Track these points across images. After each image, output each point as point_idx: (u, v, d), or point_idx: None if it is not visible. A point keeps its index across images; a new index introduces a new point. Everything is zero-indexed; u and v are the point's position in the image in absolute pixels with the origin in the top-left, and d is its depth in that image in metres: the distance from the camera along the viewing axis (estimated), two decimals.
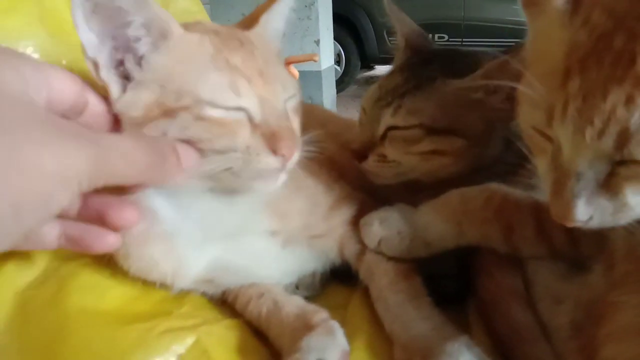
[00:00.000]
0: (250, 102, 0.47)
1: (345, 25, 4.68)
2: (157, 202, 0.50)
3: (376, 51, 4.73)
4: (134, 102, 0.45)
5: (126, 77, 0.45)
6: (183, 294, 0.55)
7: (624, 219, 0.38)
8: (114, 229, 0.44)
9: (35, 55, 0.55)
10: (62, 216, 0.43)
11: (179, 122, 0.44)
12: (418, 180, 0.63)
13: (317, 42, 3.75)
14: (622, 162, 0.35)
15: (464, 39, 4.54)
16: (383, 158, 0.63)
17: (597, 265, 0.44)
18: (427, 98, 0.60)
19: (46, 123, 0.35)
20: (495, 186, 0.54)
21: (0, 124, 0.31)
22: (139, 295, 0.53)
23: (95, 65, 0.44)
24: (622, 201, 0.36)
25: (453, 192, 0.56)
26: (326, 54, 3.91)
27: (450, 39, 4.52)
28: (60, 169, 0.33)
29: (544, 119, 0.38)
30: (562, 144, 0.37)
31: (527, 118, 0.41)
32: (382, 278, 0.56)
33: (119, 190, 0.44)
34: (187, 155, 0.44)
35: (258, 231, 0.57)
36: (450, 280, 0.59)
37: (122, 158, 0.39)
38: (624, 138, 0.33)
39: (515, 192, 0.53)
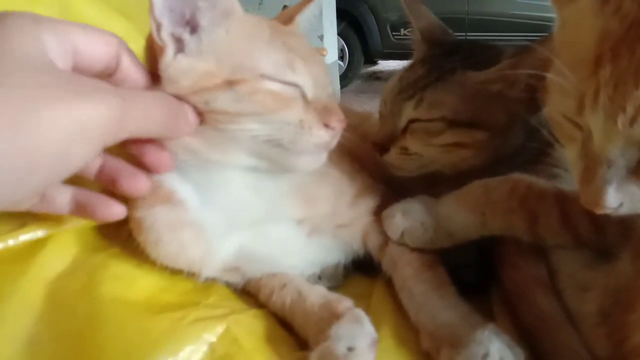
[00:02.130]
0: (305, 79, 0.50)
1: (349, 20, 4.68)
2: (185, 190, 0.52)
3: (380, 46, 4.72)
4: (186, 70, 0.46)
5: (179, 45, 0.47)
6: (208, 285, 0.56)
7: None
8: (126, 194, 0.46)
9: None
10: (80, 178, 0.45)
11: (231, 95, 0.46)
12: (439, 172, 0.64)
13: (321, 38, 3.75)
14: None
15: (467, 34, 4.53)
16: (405, 151, 0.63)
17: (624, 253, 0.44)
18: (449, 90, 0.61)
19: (63, 81, 0.35)
20: (519, 176, 0.54)
21: (11, 85, 0.32)
22: (167, 286, 0.53)
23: (158, 25, 0.45)
24: None
25: (476, 182, 0.56)
26: (330, 50, 3.90)
27: (454, 34, 4.51)
28: (78, 124, 0.34)
29: (574, 107, 0.38)
30: (593, 132, 0.37)
31: (556, 106, 0.42)
32: (406, 268, 0.56)
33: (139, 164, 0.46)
34: (193, 114, 0.46)
35: (285, 219, 0.58)
36: (470, 270, 0.59)
37: (143, 111, 0.40)
38: None
39: (539, 181, 0.53)
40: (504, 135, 0.61)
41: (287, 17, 0.59)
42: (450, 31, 0.74)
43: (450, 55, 0.65)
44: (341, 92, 4.28)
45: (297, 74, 0.49)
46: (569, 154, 0.42)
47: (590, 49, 0.37)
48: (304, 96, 0.50)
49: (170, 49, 0.46)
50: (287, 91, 0.49)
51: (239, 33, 0.49)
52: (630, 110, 0.34)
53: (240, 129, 0.48)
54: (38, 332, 0.46)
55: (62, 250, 0.51)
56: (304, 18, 0.60)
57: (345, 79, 4.71)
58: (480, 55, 0.64)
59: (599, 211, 0.39)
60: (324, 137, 0.51)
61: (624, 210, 0.38)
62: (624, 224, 0.45)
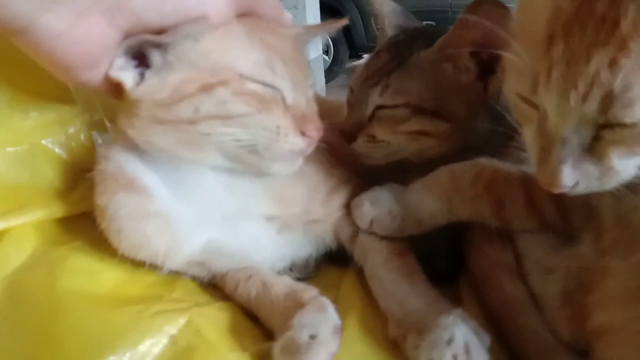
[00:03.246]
0: (284, 83, 0.49)
1: (333, 14, 4.65)
2: (151, 180, 0.51)
3: (364, 40, 4.71)
4: (158, 85, 0.45)
5: (140, 64, 0.46)
6: (173, 279, 0.55)
7: (610, 183, 0.38)
8: None
9: None
10: None
11: (215, 97, 0.45)
12: (408, 160, 0.63)
13: None
14: (607, 126, 0.35)
15: (451, 26, 4.55)
16: (372, 138, 0.63)
17: (586, 235, 0.44)
18: (411, 76, 0.60)
19: None
20: (485, 161, 0.54)
21: None
22: (129, 279, 0.52)
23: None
24: (608, 165, 0.37)
25: (443, 169, 0.56)
26: (314, 44, 3.88)
27: (438, 26, 4.52)
28: None
29: (529, 86, 0.38)
30: (548, 110, 0.37)
31: (513, 86, 0.41)
32: (375, 257, 0.56)
33: None
34: None
35: (255, 215, 0.57)
36: (442, 257, 0.59)
37: None
38: (608, 101, 0.33)
39: (505, 166, 0.53)
40: (467, 126, 0.60)
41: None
42: (415, 18, 0.74)
43: (414, 41, 0.64)
44: (326, 86, 4.26)
45: (276, 75, 0.48)
46: (526, 134, 0.42)
47: (543, 28, 0.36)
48: (283, 100, 0.49)
49: (127, 78, 0.45)
50: (267, 93, 0.48)
51: (212, 36, 0.47)
52: (582, 87, 0.34)
53: (222, 133, 0.47)
54: None
55: (20, 243, 0.50)
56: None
57: (330, 73, 4.69)
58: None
59: (556, 190, 0.39)
60: (299, 144, 0.50)
61: (580, 189, 0.38)
62: (587, 207, 0.45)
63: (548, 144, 0.38)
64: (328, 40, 4.77)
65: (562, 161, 0.37)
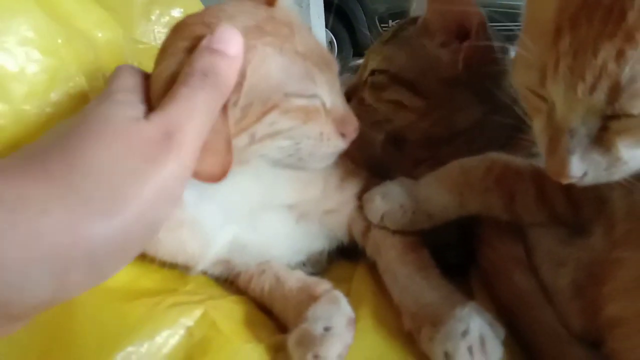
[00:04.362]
0: (322, 89, 0.49)
1: (337, 13, 4.65)
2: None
3: (368, 39, 4.70)
4: None
5: None
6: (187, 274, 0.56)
7: (618, 173, 0.38)
8: None
9: (30, 34, 0.54)
10: None
11: (267, 121, 0.46)
12: (403, 137, 0.66)
13: None
14: (614, 117, 0.35)
15: None
16: (362, 101, 0.67)
17: (597, 228, 0.44)
18: (399, 47, 0.65)
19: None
20: (495, 155, 0.54)
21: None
22: (143, 273, 0.53)
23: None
24: (615, 155, 0.37)
25: (454, 163, 0.56)
26: None
27: None
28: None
29: (537, 79, 0.39)
30: (555, 102, 0.38)
31: (522, 79, 0.42)
32: (389, 251, 0.56)
33: None
34: None
35: (277, 205, 0.58)
36: (453, 251, 0.59)
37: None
38: (615, 92, 0.34)
39: (516, 160, 0.53)
40: (445, 106, 0.62)
41: None
42: None
43: (417, 19, 0.67)
44: None
45: (316, 84, 0.49)
46: (535, 126, 0.42)
47: (550, 20, 0.37)
48: (323, 105, 0.50)
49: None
50: (310, 104, 0.48)
51: (251, 71, 0.45)
52: (589, 78, 0.34)
53: (270, 147, 0.48)
54: None
55: None
56: None
57: None
58: None
59: (565, 181, 0.39)
60: (340, 146, 0.52)
61: (589, 180, 0.39)
62: (598, 199, 0.46)
63: (556, 135, 0.38)
64: (332, 39, 4.78)
65: (571, 152, 0.38)
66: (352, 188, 0.62)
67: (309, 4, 3.63)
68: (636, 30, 0.32)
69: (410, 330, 0.48)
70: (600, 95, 0.34)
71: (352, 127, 0.52)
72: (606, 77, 0.34)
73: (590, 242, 0.44)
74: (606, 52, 0.33)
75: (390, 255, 0.55)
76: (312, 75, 0.48)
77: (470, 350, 0.42)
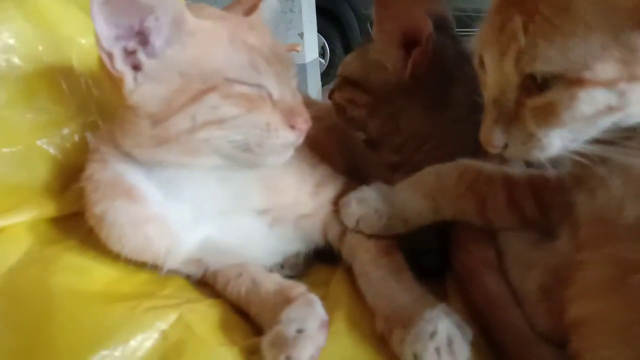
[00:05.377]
0: (269, 80, 0.50)
1: (329, 17, 4.67)
2: (146, 185, 0.52)
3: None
4: (152, 95, 0.47)
5: (135, 68, 0.47)
6: (165, 277, 0.56)
7: (535, 151, 0.42)
8: None
9: (11, 41, 0.55)
10: None
11: (207, 103, 0.47)
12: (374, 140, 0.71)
13: (301, 35, 3.73)
14: (526, 91, 0.41)
15: None
16: (334, 100, 0.74)
17: (563, 231, 0.45)
18: (358, 54, 0.72)
19: None
20: (467, 162, 0.55)
21: None
22: (122, 277, 0.54)
23: (110, 56, 0.45)
24: (529, 130, 0.41)
25: (428, 169, 0.57)
26: (310, 47, 3.89)
27: None
28: None
29: (479, 52, 0.44)
30: (487, 72, 0.43)
31: (476, 59, 0.46)
32: (364, 255, 0.57)
33: None
34: None
35: (248, 210, 0.58)
36: (431, 254, 0.60)
37: None
38: (519, 56, 0.39)
39: (487, 166, 0.54)
40: (389, 105, 0.67)
41: (249, 4, 0.59)
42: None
43: None
44: (323, 89, 4.27)
45: (261, 74, 0.50)
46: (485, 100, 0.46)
47: (495, 2, 0.42)
48: (270, 96, 0.51)
49: (128, 77, 0.46)
50: (254, 92, 0.49)
51: (196, 42, 0.48)
52: (504, 45, 0.40)
53: (218, 136, 0.48)
54: None
55: (15, 242, 0.51)
56: (267, 4, 0.59)
57: (327, 76, 4.70)
58: None
59: (490, 149, 0.44)
60: (289, 137, 0.52)
61: (510, 153, 0.44)
62: (566, 204, 0.47)
63: (486, 105, 0.44)
64: (324, 43, 4.80)
65: (494, 121, 0.43)
66: (327, 193, 0.63)
67: (300, 9, 3.65)
68: (535, 10, 0.39)
69: (382, 332, 0.49)
70: (510, 60, 0.40)
71: (302, 118, 0.52)
72: (514, 43, 0.39)
73: (557, 246, 0.46)
74: (516, 24, 0.39)
75: (365, 258, 0.56)
76: (257, 65, 0.49)
77: (437, 351, 0.43)
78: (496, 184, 0.52)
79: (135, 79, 0.47)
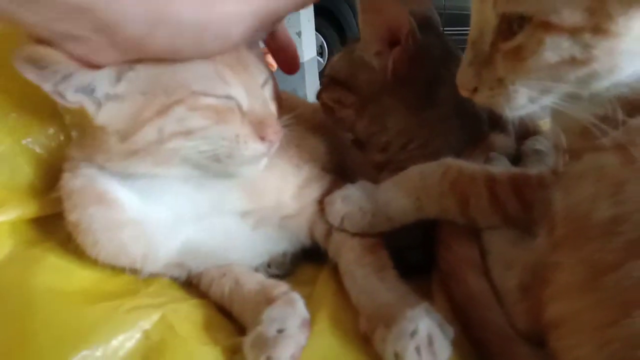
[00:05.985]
0: (237, 90, 0.50)
1: (327, 16, 4.67)
2: (120, 191, 0.52)
3: None
4: (116, 114, 0.46)
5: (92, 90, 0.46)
6: (150, 277, 0.56)
7: (502, 101, 0.43)
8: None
9: None
10: None
11: (174, 116, 0.46)
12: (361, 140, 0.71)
13: (299, 34, 3.74)
14: (504, 38, 0.41)
15: (445, 28, 4.57)
16: (322, 101, 0.74)
17: (542, 229, 0.45)
18: (345, 54, 0.72)
19: None
20: (451, 160, 0.55)
21: None
22: (106, 277, 0.54)
23: (60, 94, 0.44)
24: (497, 75, 0.42)
25: (413, 168, 0.58)
26: (308, 46, 3.89)
27: None
28: (238, 10, 0.46)
29: None
30: (471, 14, 0.44)
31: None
32: (348, 253, 0.57)
33: None
34: None
35: (229, 212, 0.58)
36: (416, 252, 0.60)
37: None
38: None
39: (470, 165, 0.54)
40: (375, 105, 0.67)
41: None
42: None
43: None
44: None
45: (229, 85, 0.49)
46: None
47: None
48: (240, 108, 0.50)
49: (86, 102, 0.46)
50: (221, 104, 0.49)
51: (153, 59, 0.47)
52: None
53: (186, 147, 0.48)
54: None
55: None
56: None
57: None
58: None
59: (462, 92, 0.45)
60: (259, 149, 0.51)
61: (479, 98, 0.44)
62: (547, 201, 0.47)
63: (466, 48, 0.45)
64: (322, 42, 4.80)
65: (469, 63, 0.44)
66: (311, 193, 0.63)
67: None
68: None
69: (366, 331, 0.49)
70: (489, 1, 0.40)
71: (272, 129, 0.51)
72: None
73: (536, 244, 0.46)
74: None
75: (349, 257, 0.56)
76: (223, 76, 0.49)
77: (418, 350, 0.43)
78: (479, 183, 0.52)
79: (95, 102, 0.46)
